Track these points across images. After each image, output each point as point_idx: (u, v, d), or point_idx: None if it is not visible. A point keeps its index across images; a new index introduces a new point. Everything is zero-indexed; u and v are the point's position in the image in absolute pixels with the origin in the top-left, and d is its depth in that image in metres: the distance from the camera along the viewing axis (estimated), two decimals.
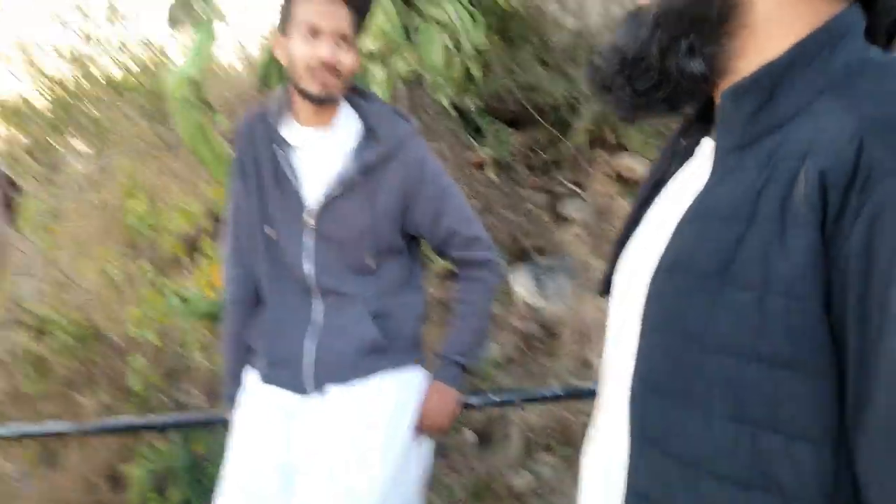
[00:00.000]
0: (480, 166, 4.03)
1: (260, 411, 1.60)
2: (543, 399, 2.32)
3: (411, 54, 2.27)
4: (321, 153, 1.58)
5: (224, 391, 1.74)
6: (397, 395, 1.59)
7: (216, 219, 3.69)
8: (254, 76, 3.75)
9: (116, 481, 2.89)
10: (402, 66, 2.26)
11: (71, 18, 5.65)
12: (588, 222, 3.80)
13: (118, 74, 5.51)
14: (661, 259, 0.65)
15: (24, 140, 5.34)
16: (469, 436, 3.11)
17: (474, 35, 2.24)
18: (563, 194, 3.98)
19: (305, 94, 1.51)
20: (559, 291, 3.60)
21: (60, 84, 5.42)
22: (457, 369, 1.66)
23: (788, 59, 0.62)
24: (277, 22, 1.57)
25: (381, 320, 1.59)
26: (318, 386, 1.56)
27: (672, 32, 0.65)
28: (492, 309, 1.74)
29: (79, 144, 5.34)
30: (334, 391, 1.56)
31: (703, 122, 0.75)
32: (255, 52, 5.20)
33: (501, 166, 4.13)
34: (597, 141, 3.91)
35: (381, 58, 2.25)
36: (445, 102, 2.68)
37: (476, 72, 2.36)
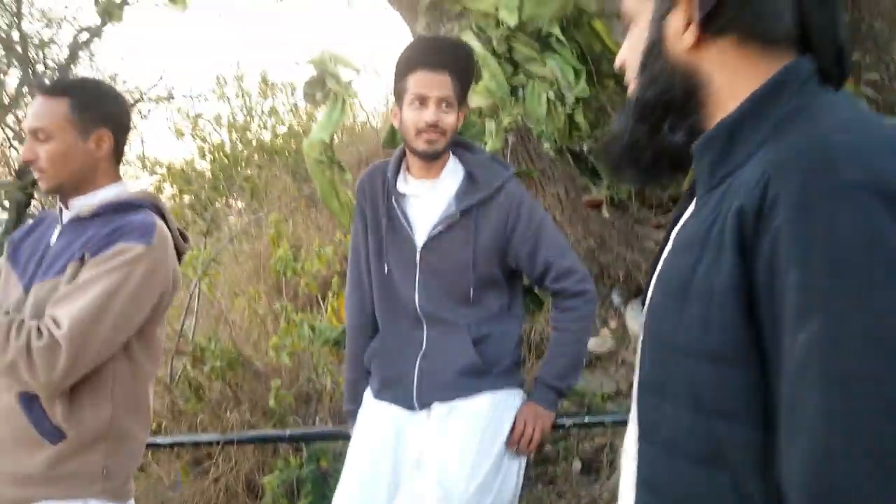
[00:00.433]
0: (597, 206, 4.10)
1: (373, 426, 1.82)
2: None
3: (518, 108, 2.44)
4: (430, 200, 1.82)
5: (345, 406, 1.99)
6: (493, 412, 1.75)
7: (346, 260, 4.01)
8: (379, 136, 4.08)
9: (253, 489, 3.21)
10: (508, 120, 2.43)
11: (230, 91, 6.42)
12: None
13: (268, 138, 6.16)
14: (655, 280, 0.79)
15: (187, 197, 6.08)
16: (576, 464, 3.15)
17: (577, 88, 2.38)
18: None
19: (415, 152, 1.77)
20: None
21: (220, 149, 6.14)
22: (551, 392, 1.81)
23: (738, 115, 0.72)
24: (393, 94, 1.84)
25: (481, 346, 1.77)
26: (425, 403, 1.77)
27: (651, 121, 0.78)
28: (587, 337, 1.88)
29: (234, 201, 5.99)
30: (438, 408, 1.76)
31: None
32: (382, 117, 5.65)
33: (617, 205, 4.20)
34: None
35: (491, 113, 2.45)
36: (551, 150, 2.82)
37: (579, 118, 2.50)
